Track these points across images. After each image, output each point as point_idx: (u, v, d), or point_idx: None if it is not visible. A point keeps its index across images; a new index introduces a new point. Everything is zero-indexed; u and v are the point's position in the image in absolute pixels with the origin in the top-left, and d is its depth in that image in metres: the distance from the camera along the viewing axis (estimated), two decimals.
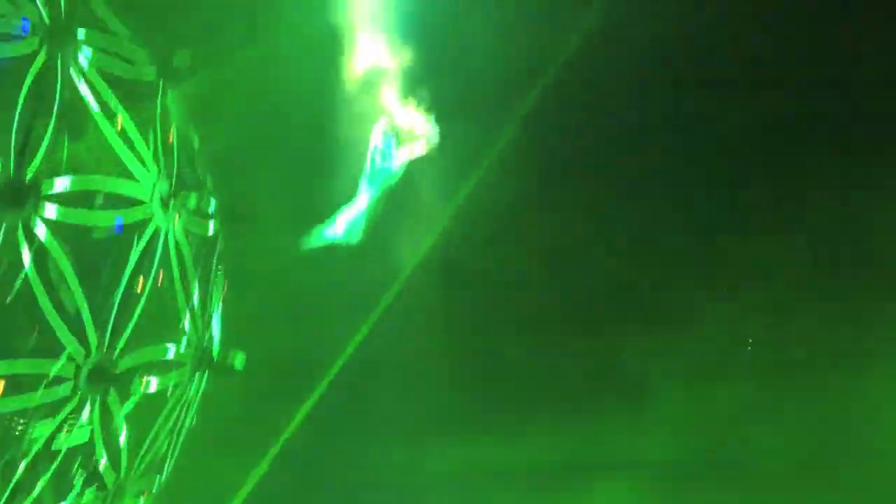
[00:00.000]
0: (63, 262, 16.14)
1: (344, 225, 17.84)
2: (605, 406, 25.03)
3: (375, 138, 17.28)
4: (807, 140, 25.77)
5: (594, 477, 24.53)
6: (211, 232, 19.45)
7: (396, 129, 17.48)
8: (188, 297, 18.63)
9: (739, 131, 25.62)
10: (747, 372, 25.67)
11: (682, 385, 24.90)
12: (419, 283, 21.57)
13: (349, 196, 23.49)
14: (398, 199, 22.62)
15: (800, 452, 24.75)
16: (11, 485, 16.12)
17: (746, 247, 25.87)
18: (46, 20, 16.36)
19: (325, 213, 23.96)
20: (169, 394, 18.61)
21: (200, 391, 19.33)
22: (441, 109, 19.33)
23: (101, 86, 17.17)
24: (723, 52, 24.61)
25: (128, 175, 17.71)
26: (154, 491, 18.91)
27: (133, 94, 18.27)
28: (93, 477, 17.12)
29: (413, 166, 20.26)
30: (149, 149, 17.95)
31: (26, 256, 15.63)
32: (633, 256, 25.86)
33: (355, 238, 17.83)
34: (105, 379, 16.67)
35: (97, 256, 17.76)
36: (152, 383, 18.29)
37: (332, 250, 23.20)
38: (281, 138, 22.82)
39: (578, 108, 24.52)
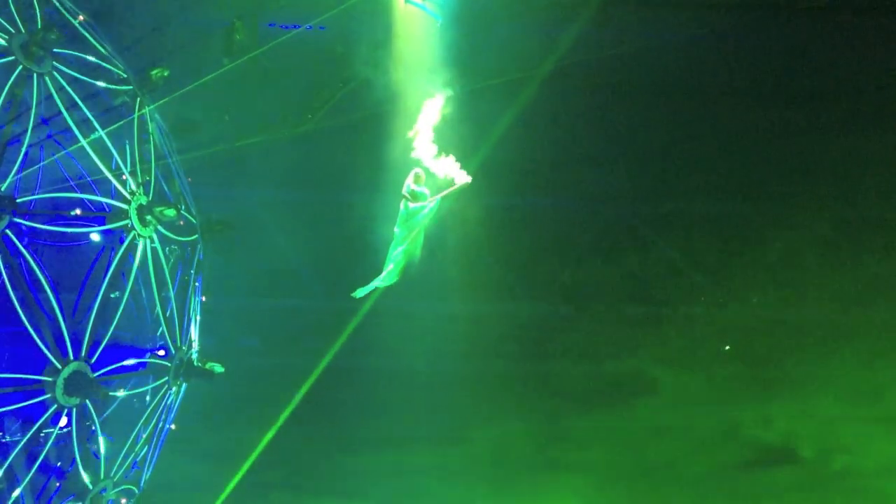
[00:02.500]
0: (39, 272, 16.49)
1: (383, 274, 18.14)
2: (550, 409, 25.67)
3: (408, 181, 17.49)
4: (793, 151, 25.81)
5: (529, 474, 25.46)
6: (189, 242, 19.79)
7: (426, 170, 17.69)
8: (166, 305, 18.94)
9: (720, 143, 25.74)
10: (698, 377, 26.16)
11: (631, 390, 25.60)
12: (393, 293, 21.85)
13: (338, 208, 24.01)
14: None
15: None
16: None
17: (711, 258, 26.29)
18: (24, 34, 16.79)
19: (310, 225, 24.50)
20: (148, 400, 18.94)
21: (180, 397, 19.61)
22: None
23: (79, 99, 17.60)
24: (713, 63, 24.72)
25: (105, 187, 18.19)
26: (133, 498, 19.14)
27: (111, 108, 18.72)
28: (70, 484, 17.34)
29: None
30: (126, 161, 18.36)
31: (2, 266, 15.97)
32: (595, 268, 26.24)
33: (392, 280, 18.11)
34: (83, 385, 16.86)
35: (75, 266, 18.14)
36: (131, 389, 18.70)
37: (309, 263, 23.77)
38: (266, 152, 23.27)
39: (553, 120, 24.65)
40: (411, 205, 17.37)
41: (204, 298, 20.24)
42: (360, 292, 18.08)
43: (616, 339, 25.99)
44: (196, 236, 19.93)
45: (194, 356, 19.72)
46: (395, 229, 17.62)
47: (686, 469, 25.83)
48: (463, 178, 17.06)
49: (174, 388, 19.22)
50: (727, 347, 26.63)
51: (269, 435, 21.39)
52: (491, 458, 25.74)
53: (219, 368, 19.66)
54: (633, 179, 25.94)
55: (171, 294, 19.14)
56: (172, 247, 19.55)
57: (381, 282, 18.01)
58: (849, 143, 24.89)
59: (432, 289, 23.65)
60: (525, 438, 26.01)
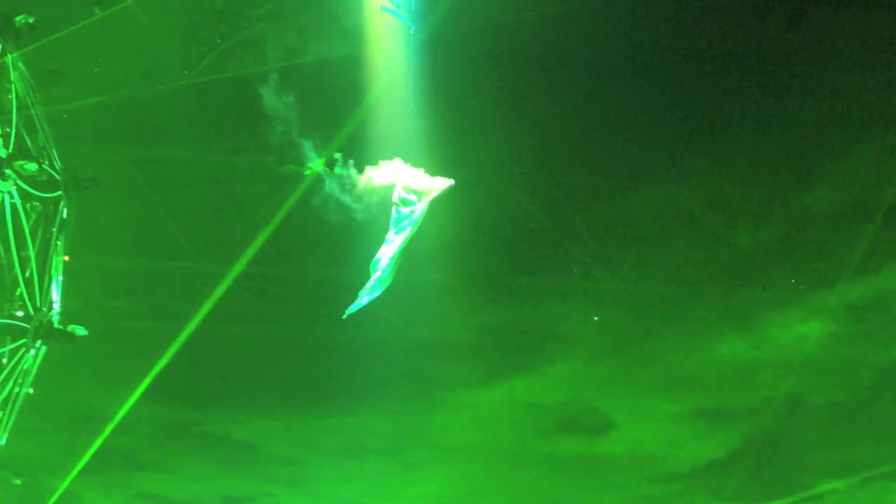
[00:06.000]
0: None
1: (371, 283, 18.09)
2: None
3: (398, 190, 17.50)
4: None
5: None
6: (52, 199, 18.96)
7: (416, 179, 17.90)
8: (25, 264, 18.18)
9: (597, 117, 25.85)
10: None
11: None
12: (267, 257, 21.65)
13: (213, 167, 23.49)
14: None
15: None
16: None
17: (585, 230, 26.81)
18: None
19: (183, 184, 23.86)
20: (4, 362, 18.19)
21: (38, 360, 18.87)
22: None
23: None
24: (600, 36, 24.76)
25: None
26: None
27: None
28: None
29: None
30: None
31: None
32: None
33: (384, 282, 18.07)
34: None
35: None
36: None
37: (181, 224, 23.19)
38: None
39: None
40: (403, 210, 17.69)
41: (67, 258, 19.47)
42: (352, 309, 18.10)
43: (490, 308, 26.34)
44: (60, 193, 19.06)
45: (55, 318, 18.98)
46: (389, 235, 17.79)
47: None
48: (445, 182, 17.47)
49: (33, 351, 18.48)
50: (595, 318, 27.38)
51: (132, 400, 20.99)
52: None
53: (81, 331, 18.94)
54: (510, 150, 26.03)
55: (32, 253, 18.36)
56: (34, 203, 18.70)
57: (371, 291, 18.09)
58: (726, 118, 25.41)
59: (305, 254, 23.48)
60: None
